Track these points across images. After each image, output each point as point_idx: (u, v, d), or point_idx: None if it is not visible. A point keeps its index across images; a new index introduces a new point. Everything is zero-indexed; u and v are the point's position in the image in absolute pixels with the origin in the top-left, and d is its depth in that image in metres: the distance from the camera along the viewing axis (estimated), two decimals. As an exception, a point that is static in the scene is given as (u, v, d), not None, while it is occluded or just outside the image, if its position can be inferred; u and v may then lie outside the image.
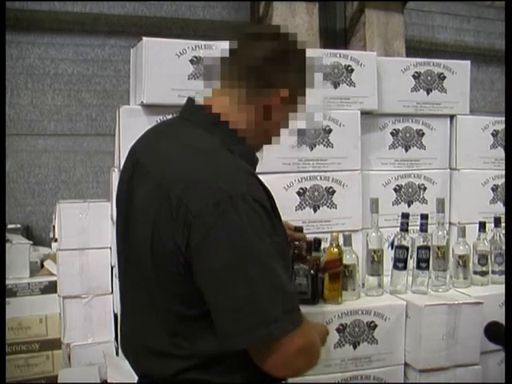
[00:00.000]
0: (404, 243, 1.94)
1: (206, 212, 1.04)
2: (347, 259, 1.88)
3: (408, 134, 2.24)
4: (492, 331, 1.52)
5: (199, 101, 1.25)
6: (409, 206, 2.23)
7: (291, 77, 1.21)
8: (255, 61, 1.19)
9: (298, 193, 2.03)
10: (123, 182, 1.28)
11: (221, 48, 1.25)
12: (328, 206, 2.05)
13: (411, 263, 1.98)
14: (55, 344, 2.84)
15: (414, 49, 4.78)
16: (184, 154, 1.15)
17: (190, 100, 1.27)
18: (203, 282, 1.07)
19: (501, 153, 2.30)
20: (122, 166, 1.33)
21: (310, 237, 1.91)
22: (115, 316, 2.57)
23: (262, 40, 1.21)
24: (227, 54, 1.23)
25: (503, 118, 2.18)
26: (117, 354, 2.50)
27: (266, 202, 1.09)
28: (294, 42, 1.24)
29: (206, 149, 1.15)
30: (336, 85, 2.09)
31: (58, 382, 2.34)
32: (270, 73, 1.19)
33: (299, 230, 1.80)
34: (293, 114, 1.29)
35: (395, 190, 2.22)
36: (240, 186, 1.06)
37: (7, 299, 2.79)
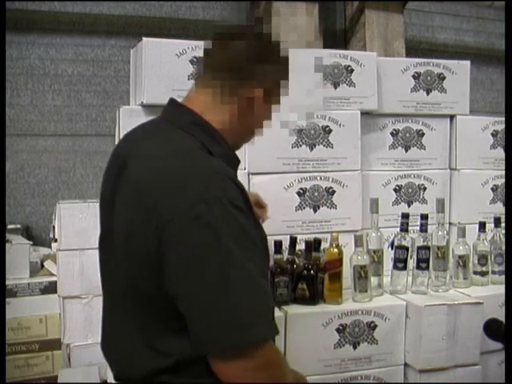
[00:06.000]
0: (404, 243, 1.94)
1: (180, 216, 1.00)
2: (358, 260, 1.88)
3: (408, 134, 2.24)
4: (491, 328, 1.52)
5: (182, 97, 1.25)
6: (409, 206, 2.23)
7: (268, 73, 1.19)
8: (228, 59, 1.18)
9: (298, 193, 2.03)
10: (108, 182, 1.26)
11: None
12: (328, 207, 2.05)
13: (411, 263, 1.98)
14: (55, 344, 2.84)
15: (414, 49, 4.77)
16: (162, 157, 1.12)
17: (172, 101, 1.26)
18: (176, 287, 1.02)
19: (501, 153, 2.30)
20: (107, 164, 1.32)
21: (309, 237, 1.92)
22: (115, 316, 2.57)
23: (234, 39, 1.19)
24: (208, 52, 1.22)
25: (503, 118, 2.18)
26: (117, 354, 2.50)
27: (242, 204, 1.06)
28: (268, 39, 1.22)
29: (184, 151, 1.12)
30: (336, 85, 2.09)
31: (58, 382, 2.34)
32: (244, 71, 1.18)
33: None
34: (276, 107, 1.26)
35: (395, 190, 2.22)
36: (215, 190, 1.03)
37: (7, 299, 2.79)
